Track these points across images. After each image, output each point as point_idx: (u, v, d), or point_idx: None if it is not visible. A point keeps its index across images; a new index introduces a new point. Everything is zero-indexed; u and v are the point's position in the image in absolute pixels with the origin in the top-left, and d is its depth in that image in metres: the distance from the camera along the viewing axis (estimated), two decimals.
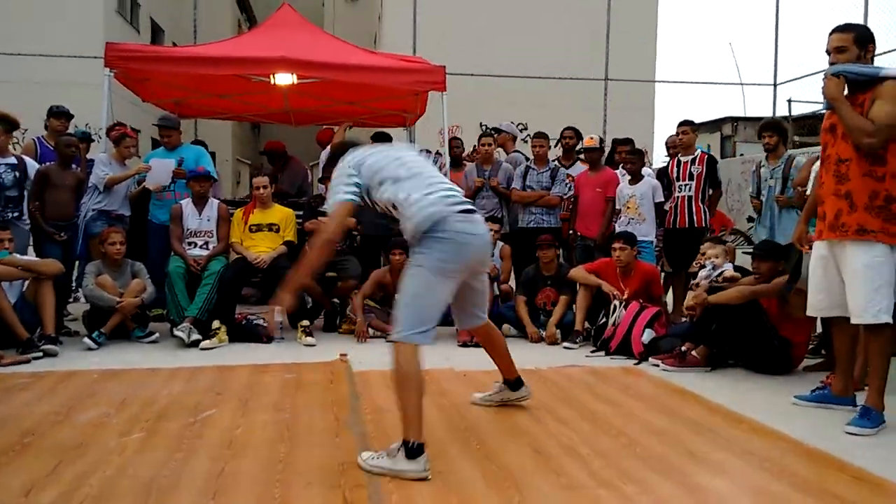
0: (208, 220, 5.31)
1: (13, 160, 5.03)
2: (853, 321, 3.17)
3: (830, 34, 3.21)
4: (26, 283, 4.59)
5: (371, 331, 5.11)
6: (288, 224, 5.42)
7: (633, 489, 2.38)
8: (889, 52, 8.72)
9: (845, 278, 3.18)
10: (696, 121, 6.03)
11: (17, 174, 4.98)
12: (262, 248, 5.23)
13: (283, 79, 6.32)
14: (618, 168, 6.20)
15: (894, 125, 3.01)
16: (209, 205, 5.35)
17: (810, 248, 3.49)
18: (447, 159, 6.50)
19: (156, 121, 6.05)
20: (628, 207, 5.72)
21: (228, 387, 3.72)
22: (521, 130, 14.60)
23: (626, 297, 4.90)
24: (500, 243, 5.73)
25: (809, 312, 3.44)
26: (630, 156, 5.89)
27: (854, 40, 3.13)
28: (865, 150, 3.07)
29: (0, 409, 3.21)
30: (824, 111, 3.27)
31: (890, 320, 3.11)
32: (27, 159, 5.22)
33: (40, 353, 4.27)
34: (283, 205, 5.66)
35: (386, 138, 6.17)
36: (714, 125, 19.79)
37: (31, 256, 4.85)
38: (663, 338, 4.56)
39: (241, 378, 3.92)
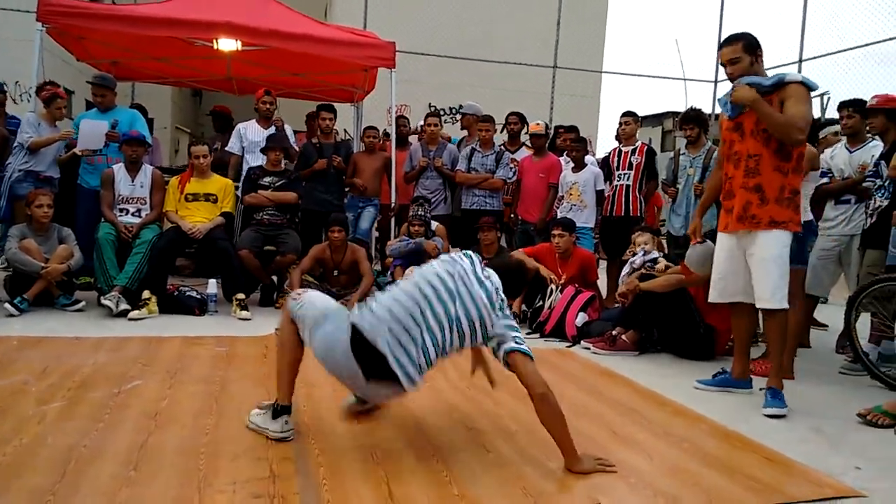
0: (141, 187, 5.13)
1: None
2: (760, 305, 3.37)
3: (720, 49, 3.39)
4: None
5: None
6: (226, 195, 5.28)
7: (556, 465, 2.45)
8: (827, 54, 9.05)
9: (752, 266, 3.35)
10: (640, 114, 6.17)
11: None
12: (198, 219, 5.10)
13: (227, 44, 6.13)
14: (562, 155, 6.29)
15: (810, 121, 3.21)
16: (143, 171, 5.16)
17: (700, 241, 3.76)
18: (393, 138, 6.46)
19: (90, 80, 5.77)
20: (571, 194, 5.82)
21: (157, 358, 3.63)
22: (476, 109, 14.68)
23: (562, 281, 5.00)
24: (434, 223, 5.73)
25: (712, 299, 3.62)
26: (574, 143, 5.98)
27: (743, 48, 3.30)
28: (792, 144, 3.22)
29: None
30: (729, 115, 3.41)
31: (787, 306, 3.31)
32: None
33: None
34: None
35: (329, 110, 6.11)
36: (656, 119, 20.26)
37: None
38: (596, 322, 4.68)
39: (171, 349, 3.82)
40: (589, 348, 4.42)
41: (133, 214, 5.07)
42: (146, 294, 4.71)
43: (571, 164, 5.94)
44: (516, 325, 2.55)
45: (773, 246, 3.27)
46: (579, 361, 4.18)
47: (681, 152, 5.40)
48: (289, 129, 6.30)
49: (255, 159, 5.81)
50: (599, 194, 5.81)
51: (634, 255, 4.79)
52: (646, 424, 3.00)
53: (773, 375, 3.36)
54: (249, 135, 6.02)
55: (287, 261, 5.22)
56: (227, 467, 2.28)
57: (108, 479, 2.12)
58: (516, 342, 2.47)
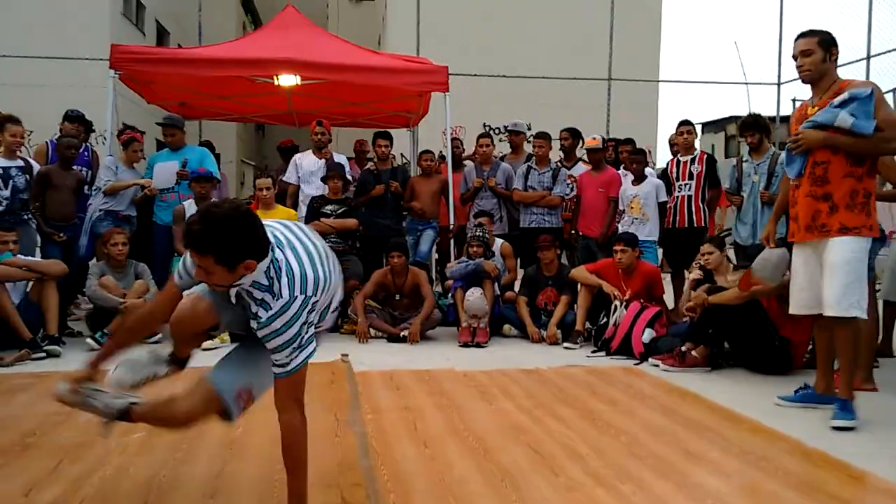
0: None
1: (21, 163, 5.08)
2: (826, 313, 3.22)
3: (796, 40, 3.30)
4: (30, 283, 4.63)
5: (372, 331, 5.13)
6: None
7: (630, 488, 2.39)
8: (892, 50, 8.66)
9: (824, 272, 3.21)
10: (702, 121, 6.07)
11: (28, 177, 5.04)
12: None
13: (287, 80, 6.35)
14: (620, 168, 6.20)
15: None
16: None
17: (776, 245, 3.64)
18: (449, 160, 6.51)
19: (160, 121, 6.09)
20: (632, 208, 5.73)
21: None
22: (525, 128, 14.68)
23: (627, 297, 4.90)
24: (499, 241, 5.73)
25: (792, 311, 3.47)
26: (633, 156, 5.89)
27: (818, 43, 3.22)
28: (887, 154, 3.13)
29: (1, 409, 3.24)
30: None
31: (861, 315, 3.16)
32: (33, 161, 5.27)
33: (43, 354, 4.31)
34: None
35: (385, 136, 6.23)
36: (718, 125, 19.72)
37: (37, 258, 4.90)
38: (663, 338, 4.56)
39: None
40: (658, 365, 4.30)
41: None
42: None
43: (631, 177, 5.84)
44: None
45: (843, 251, 3.14)
46: (648, 380, 4.08)
47: (744, 159, 5.24)
48: (342, 158, 6.44)
49: (311, 188, 5.97)
50: (661, 206, 5.69)
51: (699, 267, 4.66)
52: (721, 443, 2.90)
53: (843, 386, 3.21)
54: (305, 165, 6.20)
55: (350, 286, 5.32)
56: None
57: None
58: None
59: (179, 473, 2.50)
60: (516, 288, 5.69)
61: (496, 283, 5.34)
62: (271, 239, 2.03)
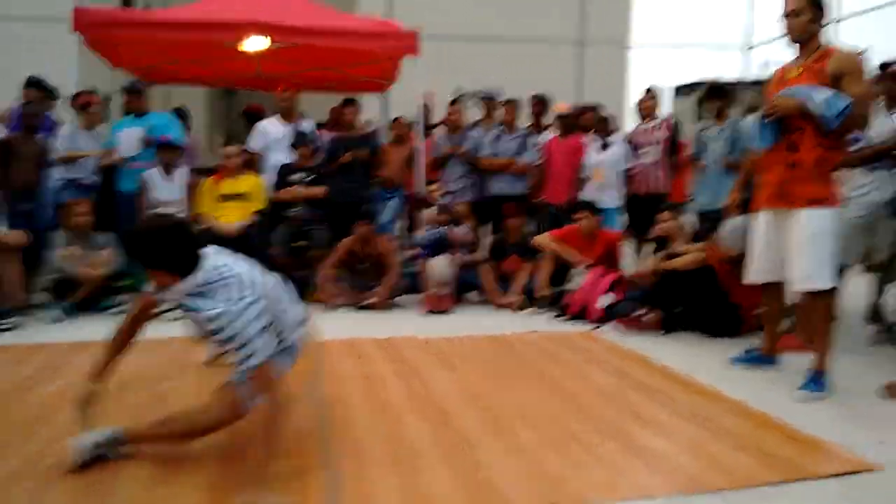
0: (176, 190, 5.30)
1: None
2: (798, 288, 3.28)
3: None
4: None
5: (338, 301, 5.18)
6: (257, 193, 5.43)
7: (578, 449, 2.51)
8: (865, 11, 8.68)
9: (791, 245, 3.26)
10: (675, 84, 6.07)
11: None
12: (231, 218, 5.26)
13: (254, 43, 6.22)
14: (587, 134, 6.24)
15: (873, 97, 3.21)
16: (178, 174, 5.34)
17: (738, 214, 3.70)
18: (420, 127, 6.49)
19: (123, 87, 5.96)
20: (596, 174, 5.79)
21: (191, 358, 3.77)
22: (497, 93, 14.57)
23: (588, 263, 5.00)
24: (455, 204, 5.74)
25: (751, 279, 3.53)
26: (598, 123, 5.93)
27: (809, 4, 3.16)
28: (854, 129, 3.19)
29: None
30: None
31: (835, 284, 3.23)
32: None
33: (7, 325, 4.29)
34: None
35: (353, 104, 6.19)
36: (689, 89, 19.75)
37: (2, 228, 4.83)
38: (621, 302, 4.67)
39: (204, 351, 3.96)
40: (614, 330, 4.42)
41: None
42: None
43: (596, 144, 5.89)
44: None
45: (812, 224, 3.16)
46: (604, 344, 4.20)
47: (705, 126, 5.31)
48: (309, 124, 6.38)
49: (278, 155, 5.92)
50: (626, 173, 5.76)
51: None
52: (670, 405, 3.03)
53: (819, 357, 3.23)
54: (271, 131, 6.13)
55: (318, 255, 5.34)
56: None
57: (144, 478, 2.25)
58: None
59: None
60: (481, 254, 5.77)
61: (462, 251, 5.40)
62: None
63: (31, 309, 4.79)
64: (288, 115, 6.17)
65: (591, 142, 6.00)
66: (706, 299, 4.23)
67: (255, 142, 6.22)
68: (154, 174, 5.30)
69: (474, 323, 4.75)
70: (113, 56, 6.73)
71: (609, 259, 5.09)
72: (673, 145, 5.77)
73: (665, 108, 6.10)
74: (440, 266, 5.14)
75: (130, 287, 5.37)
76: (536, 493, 2.18)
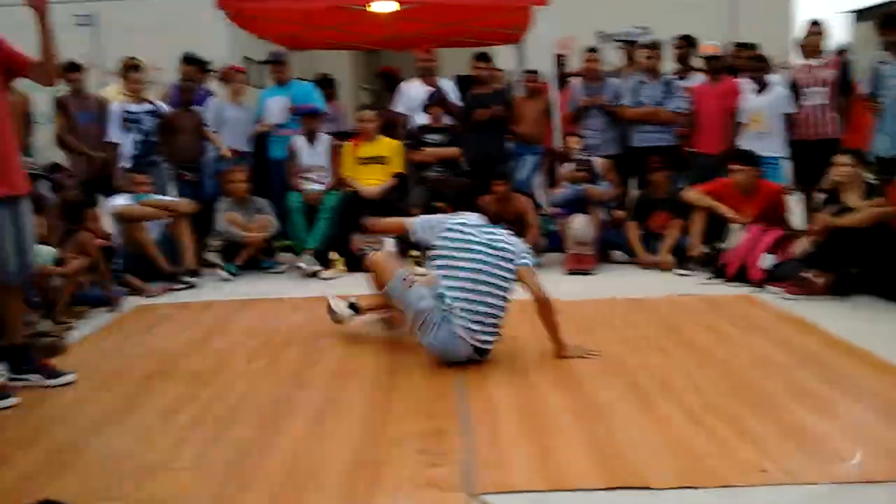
0: (320, 155, 5.54)
1: (150, 107, 5.46)
2: None
3: None
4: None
5: None
6: (395, 155, 5.55)
7: (723, 426, 2.34)
8: None
9: None
10: (852, 8, 5.36)
11: (157, 120, 5.41)
12: (371, 181, 5.42)
13: (381, 6, 6.29)
14: (740, 77, 5.68)
15: None
16: (320, 140, 5.57)
17: None
18: (553, 78, 6.25)
19: (265, 58, 6.27)
20: (754, 120, 5.28)
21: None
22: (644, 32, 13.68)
23: (746, 219, 4.61)
24: (596, 159, 5.48)
25: None
26: (753, 62, 5.37)
27: None
28: None
29: (147, 338, 3.66)
30: None
31: None
32: (159, 104, 5.63)
33: (182, 286, 4.76)
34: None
35: (484, 59, 6.09)
36: (870, 13, 17.34)
37: (173, 197, 5.34)
38: (785, 263, 4.27)
39: None
40: (777, 293, 4.07)
41: (315, 181, 5.51)
42: (333, 255, 5.15)
43: (752, 87, 5.35)
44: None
45: None
46: (765, 309, 3.87)
47: (882, 60, 4.62)
48: (449, 84, 6.35)
49: (420, 117, 5.98)
50: (788, 118, 5.20)
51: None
52: (837, 381, 2.74)
53: None
54: (412, 93, 6.19)
55: None
56: (399, 422, 2.48)
57: (300, 433, 2.42)
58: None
59: (295, 400, 2.73)
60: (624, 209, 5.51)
61: (603, 209, 5.20)
62: None
63: (202, 269, 5.28)
64: (427, 76, 6.19)
65: (746, 84, 5.45)
66: (887, 259, 3.75)
67: (398, 104, 6.33)
68: (300, 140, 5.57)
69: (618, 284, 4.57)
70: (256, 27, 7.11)
71: (771, 214, 4.65)
72: (845, 84, 5.09)
73: (839, 37, 5.40)
74: (580, 225, 4.98)
75: (286, 249, 5.77)
76: (672, 470, 2.05)
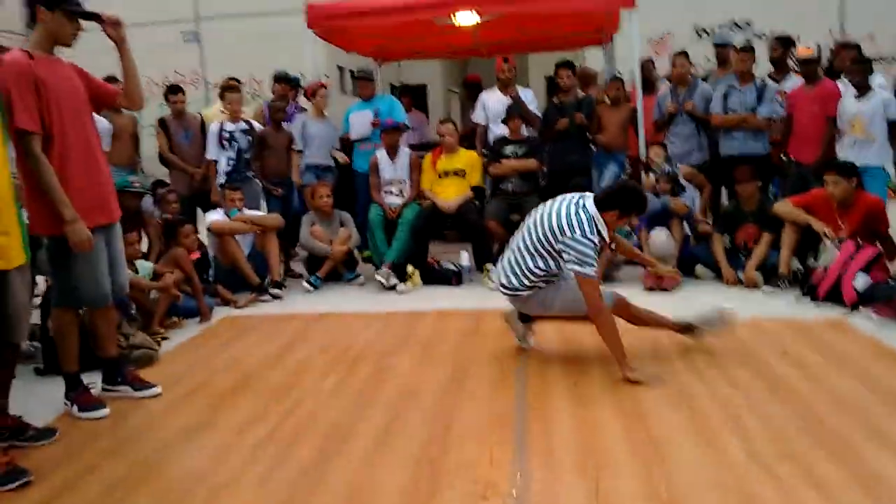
0: (401, 169, 5.67)
1: (245, 125, 5.78)
2: None
3: None
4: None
5: None
6: (474, 168, 5.59)
7: (789, 469, 2.22)
8: None
9: None
10: None
11: (251, 138, 5.74)
12: (449, 194, 5.49)
13: (465, 18, 6.34)
14: (840, 79, 5.30)
15: None
16: (401, 154, 5.69)
17: None
18: (638, 84, 6.08)
19: (354, 75, 6.47)
20: (853, 127, 4.92)
21: (414, 333, 4.07)
22: (743, 28, 12.98)
23: (841, 235, 4.31)
24: (681, 168, 5.27)
25: None
26: (855, 65, 4.99)
27: None
28: None
29: (231, 350, 3.89)
30: None
31: None
32: (255, 123, 5.95)
33: (269, 297, 5.02)
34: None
35: (567, 66, 6.01)
36: None
37: (263, 211, 5.64)
38: (882, 284, 3.96)
39: (427, 325, 4.24)
40: (871, 317, 3.78)
41: (396, 195, 5.65)
42: (410, 269, 5.26)
43: (853, 91, 4.97)
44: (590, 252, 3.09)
45: None
46: (856, 337, 3.60)
47: None
48: (527, 93, 6.32)
49: (499, 128, 5.99)
50: (892, 125, 4.80)
51: None
52: None
53: None
54: (491, 104, 6.21)
55: None
56: (455, 448, 2.52)
57: (358, 457, 2.51)
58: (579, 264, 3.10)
59: (357, 421, 2.82)
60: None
61: (686, 222, 5.01)
62: None
63: (287, 280, 5.54)
64: (505, 87, 6.20)
65: (846, 88, 5.07)
66: None
67: (477, 115, 6.37)
68: (382, 154, 5.71)
69: (699, 302, 4.38)
70: (344, 42, 7.38)
71: (869, 230, 4.32)
72: None
73: None
74: (661, 238, 4.83)
75: (368, 259, 5.95)
76: None
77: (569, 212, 3.19)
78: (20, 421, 2.72)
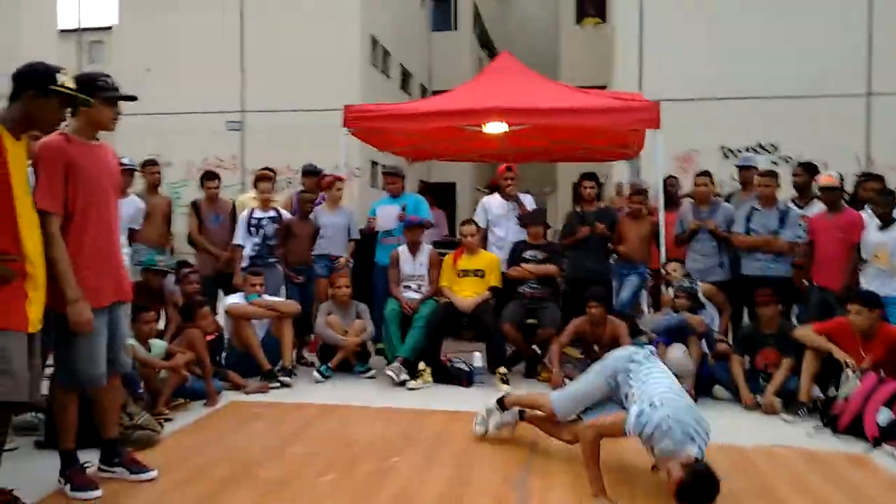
0: (421, 265, 5.74)
1: (274, 213, 5.96)
2: None
3: None
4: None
5: (567, 381, 5.05)
6: (492, 269, 5.63)
7: None
8: None
9: None
10: None
11: (278, 226, 5.90)
12: (468, 293, 5.51)
13: (495, 127, 6.59)
14: (863, 208, 5.33)
15: None
16: (422, 251, 5.78)
17: None
18: (661, 201, 6.18)
19: (384, 171, 6.70)
20: (877, 257, 4.90)
21: (419, 432, 3.98)
22: (770, 150, 13.25)
23: (864, 366, 4.20)
24: (700, 285, 5.25)
25: None
26: (879, 196, 5.03)
27: None
28: None
29: (233, 438, 3.83)
30: None
31: None
32: (283, 211, 6.13)
33: (278, 384, 4.99)
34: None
35: (592, 178, 6.15)
36: None
37: (281, 297, 5.70)
38: None
39: (433, 424, 4.16)
40: (893, 455, 3.62)
41: (414, 290, 5.69)
42: (421, 366, 5.21)
43: (877, 221, 4.99)
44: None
45: None
46: (877, 475, 3.44)
47: None
48: (528, 199, 6.43)
49: (500, 230, 6.14)
50: None
51: None
52: None
53: None
54: (493, 207, 6.34)
55: (546, 334, 5.32)
56: None
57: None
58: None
59: None
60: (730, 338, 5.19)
61: (704, 340, 4.93)
62: None
63: (298, 367, 5.52)
64: (506, 192, 6.31)
65: (870, 218, 5.09)
66: None
67: (479, 217, 6.46)
68: (403, 250, 5.81)
69: (714, 425, 4.18)
70: (377, 142, 7.67)
71: (892, 363, 4.21)
72: None
73: None
74: (678, 356, 4.74)
75: (381, 352, 5.92)
76: None
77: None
78: (11, 495, 2.68)
